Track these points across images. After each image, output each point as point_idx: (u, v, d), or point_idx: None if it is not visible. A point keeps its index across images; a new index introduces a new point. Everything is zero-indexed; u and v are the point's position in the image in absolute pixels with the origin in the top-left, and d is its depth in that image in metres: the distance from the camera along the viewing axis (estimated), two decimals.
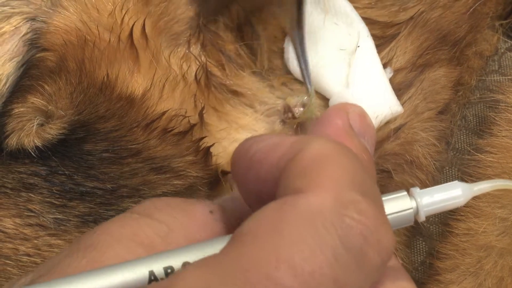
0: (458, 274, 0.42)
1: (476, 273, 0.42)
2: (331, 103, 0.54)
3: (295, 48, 0.53)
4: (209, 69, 0.53)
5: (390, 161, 0.52)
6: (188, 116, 0.51)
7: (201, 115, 0.52)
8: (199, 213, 0.34)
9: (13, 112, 0.50)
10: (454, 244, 0.43)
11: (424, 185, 0.53)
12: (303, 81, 0.53)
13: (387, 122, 0.53)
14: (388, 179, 0.52)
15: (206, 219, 0.34)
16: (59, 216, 0.49)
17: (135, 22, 0.51)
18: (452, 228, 0.45)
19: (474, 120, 0.55)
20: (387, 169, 0.52)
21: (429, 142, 0.54)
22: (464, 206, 0.46)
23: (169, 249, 0.32)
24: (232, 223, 0.35)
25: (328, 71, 0.53)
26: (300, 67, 0.53)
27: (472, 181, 0.47)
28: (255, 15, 0.54)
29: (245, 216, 0.31)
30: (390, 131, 0.53)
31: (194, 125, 0.52)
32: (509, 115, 0.48)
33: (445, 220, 0.47)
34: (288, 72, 0.55)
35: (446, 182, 0.53)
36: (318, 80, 0.53)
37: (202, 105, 0.53)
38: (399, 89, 0.54)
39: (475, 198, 0.45)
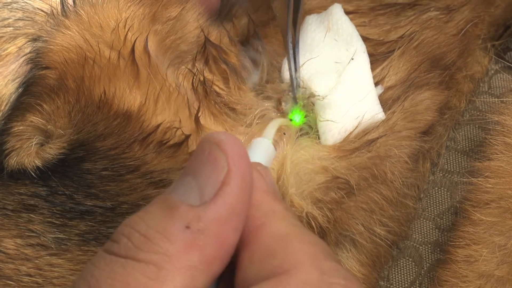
0: None
1: None
2: (317, 105, 0.54)
3: (286, 50, 0.54)
4: (207, 85, 0.53)
5: (355, 174, 0.52)
6: (181, 128, 0.51)
7: (197, 118, 0.52)
8: (176, 232, 0.32)
9: (13, 130, 0.50)
10: (454, 270, 0.44)
11: (388, 203, 0.54)
12: (291, 85, 0.55)
13: (364, 132, 0.54)
14: (348, 194, 0.52)
15: (186, 238, 0.32)
16: (60, 236, 0.49)
17: (137, 38, 0.51)
18: (451, 254, 0.46)
19: (464, 141, 0.55)
20: (350, 183, 0.52)
21: (401, 159, 0.54)
22: (463, 233, 0.47)
23: None
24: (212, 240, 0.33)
25: (319, 78, 0.54)
26: (290, 71, 0.54)
27: (469, 206, 0.48)
28: (262, 29, 0.55)
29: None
30: (364, 142, 0.53)
31: (189, 136, 0.52)
32: (506, 138, 0.48)
33: (444, 246, 0.48)
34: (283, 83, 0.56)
35: (435, 205, 0.54)
36: (308, 85, 0.55)
37: (197, 107, 0.52)
38: (386, 104, 0.55)
39: (474, 225, 0.46)
